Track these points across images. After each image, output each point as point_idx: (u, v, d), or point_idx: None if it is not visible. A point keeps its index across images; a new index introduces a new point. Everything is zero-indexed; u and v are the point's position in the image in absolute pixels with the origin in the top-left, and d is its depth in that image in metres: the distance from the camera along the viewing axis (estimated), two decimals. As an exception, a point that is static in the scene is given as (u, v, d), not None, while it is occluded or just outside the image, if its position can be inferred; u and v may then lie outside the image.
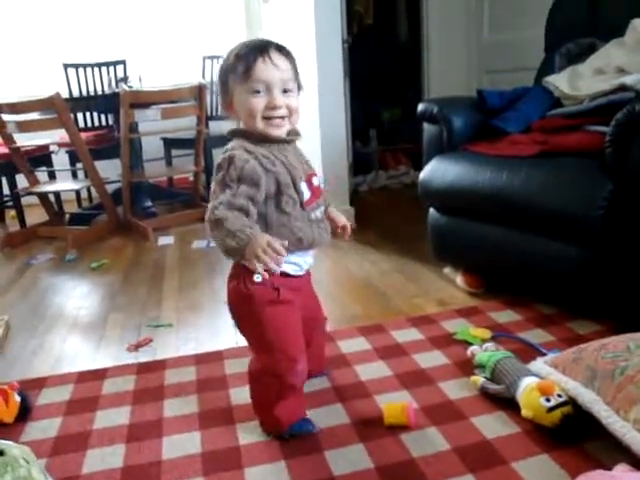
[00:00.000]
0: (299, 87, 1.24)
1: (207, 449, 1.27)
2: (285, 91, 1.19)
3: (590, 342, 1.39)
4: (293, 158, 1.24)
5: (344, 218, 1.42)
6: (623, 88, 1.89)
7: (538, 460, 1.16)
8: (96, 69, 3.85)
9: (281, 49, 1.20)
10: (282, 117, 1.20)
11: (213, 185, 1.17)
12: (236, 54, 1.19)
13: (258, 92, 1.17)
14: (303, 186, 1.22)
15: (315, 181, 1.28)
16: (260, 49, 1.17)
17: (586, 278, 1.69)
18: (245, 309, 1.25)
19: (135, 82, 3.69)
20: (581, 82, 2.09)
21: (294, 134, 1.28)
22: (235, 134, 1.23)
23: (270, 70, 1.16)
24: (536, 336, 1.69)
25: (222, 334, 1.88)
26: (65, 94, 3.32)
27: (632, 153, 1.55)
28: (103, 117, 3.96)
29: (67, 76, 3.87)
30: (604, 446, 1.16)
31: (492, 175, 1.85)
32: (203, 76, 4.35)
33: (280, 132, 1.22)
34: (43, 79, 4.25)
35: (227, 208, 1.11)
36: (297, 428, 1.28)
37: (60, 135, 3.42)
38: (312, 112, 3.07)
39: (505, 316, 1.84)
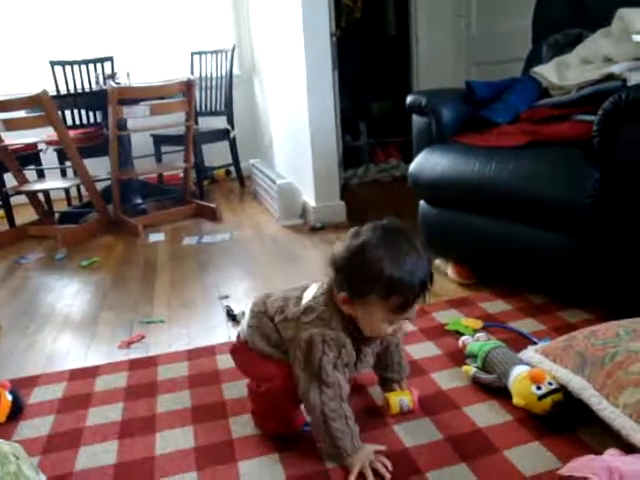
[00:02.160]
0: None
1: (200, 444, 1.27)
2: None
3: (580, 330, 1.40)
4: (370, 354, 1.25)
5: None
6: (610, 77, 1.89)
7: (530, 447, 1.17)
8: (83, 66, 3.82)
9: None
10: None
11: (320, 358, 1.12)
12: (393, 277, 1.05)
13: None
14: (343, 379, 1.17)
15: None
16: (421, 288, 1.09)
17: (576, 267, 1.69)
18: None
19: (123, 79, 3.66)
20: (568, 72, 2.09)
21: None
22: (335, 309, 1.16)
23: (416, 309, 1.13)
24: (527, 325, 1.70)
25: (214, 330, 1.88)
26: (52, 92, 3.30)
27: (620, 141, 1.56)
28: (91, 115, 3.93)
29: (54, 73, 3.84)
30: (595, 432, 1.17)
31: (481, 166, 1.85)
32: (192, 72, 4.34)
33: None
34: (30, 77, 4.22)
35: (339, 398, 1.13)
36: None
37: (48, 133, 3.39)
38: (301, 106, 3.06)
39: (496, 306, 1.85)
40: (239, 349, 1.33)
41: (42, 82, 3.69)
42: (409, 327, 1.19)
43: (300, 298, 1.22)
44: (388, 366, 1.35)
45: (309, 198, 3.18)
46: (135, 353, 1.76)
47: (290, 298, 1.24)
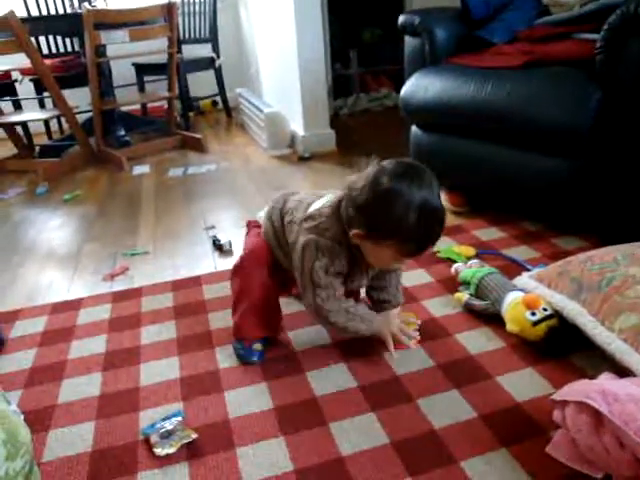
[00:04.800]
0: None
1: (186, 374, 1.24)
2: None
3: (576, 255, 1.35)
4: (364, 273, 1.24)
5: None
6: (616, -10, 1.78)
7: (523, 373, 1.15)
8: (56, -12, 3.60)
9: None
10: None
11: (312, 262, 1.16)
12: (416, 229, 1.05)
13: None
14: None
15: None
16: (433, 238, 1.09)
17: (572, 192, 1.64)
18: None
19: (99, 2, 3.46)
20: (571, -14, 1.97)
21: None
22: (336, 223, 1.16)
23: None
24: (521, 253, 1.66)
25: (200, 260, 1.83)
26: (23, 15, 3.11)
27: (625, 57, 1.47)
28: (68, 42, 3.75)
29: (23, -5, 3.62)
30: (589, 357, 1.15)
31: (476, 88, 1.76)
32: (173, -5, 4.11)
33: None
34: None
35: (335, 299, 1.18)
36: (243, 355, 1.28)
37: (23, 62, 3.23)
38: (289, 33, 2.92)
39: (489, 234, 1.81)
40: (253, 226, 1.38)
41: (10, 4, 3.46)
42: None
43: (310, 205, 1.24)
44: (385, 288, 1.32)
45: (298, 127, 3.08)
46: (119, 285, 1.72)
47: (303, 202, 1.26)
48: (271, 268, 1.27)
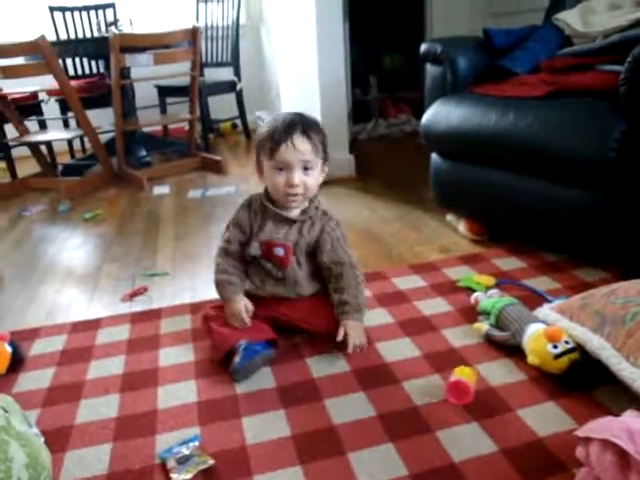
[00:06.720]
0: (325, 159, 1.37)
1: (204, 398, 1.24)
2: (306, 168, 1.32)
3: (598, 288, 1.34)
4: (272, 228, 1.41)
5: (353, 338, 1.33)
6: (640, 23, 1.79)
7: (545, 407, 1.13)
8: (84, 12, 3.69)
9: (306, 130, 1.31)
10: (298, 194, 1.34)
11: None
12: (267, 131, 1.32)
13: (280, 169, 1.32)
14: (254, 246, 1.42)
15: (277, 251, 1.40)
16: (285, 133, 1.29)
17: (595, 224, 1.62)
18: None
19: (126, 26, 3.54)
20: (594, 18, 1.98)
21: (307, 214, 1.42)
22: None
23: (290, 154, 1.30)
24: (541, 283, 1.64)
25: (219, 283, 1.84)
26: (52, 39, 3.18)
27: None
28: (94, 64, 3.82)
29: (54, 20, 3.71)
30: (613, 393, 1.13)
31: (498, 117, 1.77)
32: (197, 19, 4.19)
33: (296, 205, 1.39)
34: (28, 23, 4.06)
35: (224, 255, 1.46)
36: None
37: (50, 83, 3.30)
38: (310, 58, 2.95)
39: (509, 263, 1.79)
40: None
41: (41, 29, 3.55)
42: (305, 180, 1.34)
43: None
44: (344, 289, 1.38)
45: (317, 152, 3.09)
46: (138, 306, 1.72)
47: None
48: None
